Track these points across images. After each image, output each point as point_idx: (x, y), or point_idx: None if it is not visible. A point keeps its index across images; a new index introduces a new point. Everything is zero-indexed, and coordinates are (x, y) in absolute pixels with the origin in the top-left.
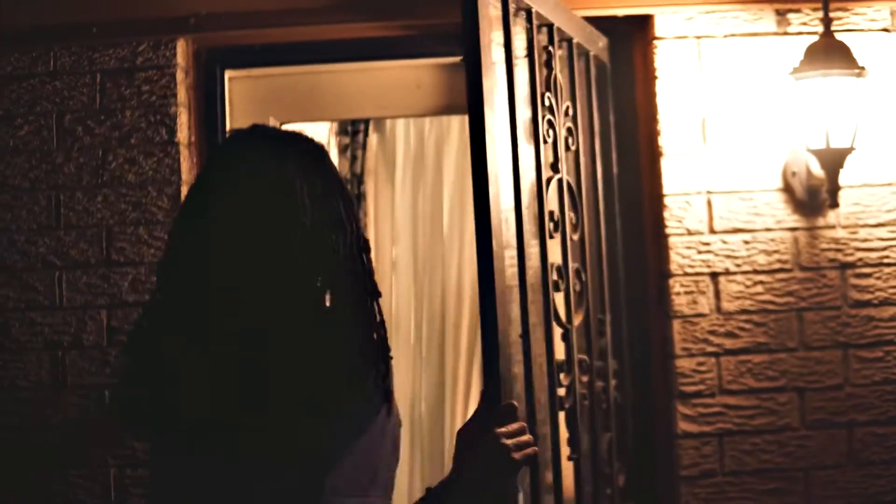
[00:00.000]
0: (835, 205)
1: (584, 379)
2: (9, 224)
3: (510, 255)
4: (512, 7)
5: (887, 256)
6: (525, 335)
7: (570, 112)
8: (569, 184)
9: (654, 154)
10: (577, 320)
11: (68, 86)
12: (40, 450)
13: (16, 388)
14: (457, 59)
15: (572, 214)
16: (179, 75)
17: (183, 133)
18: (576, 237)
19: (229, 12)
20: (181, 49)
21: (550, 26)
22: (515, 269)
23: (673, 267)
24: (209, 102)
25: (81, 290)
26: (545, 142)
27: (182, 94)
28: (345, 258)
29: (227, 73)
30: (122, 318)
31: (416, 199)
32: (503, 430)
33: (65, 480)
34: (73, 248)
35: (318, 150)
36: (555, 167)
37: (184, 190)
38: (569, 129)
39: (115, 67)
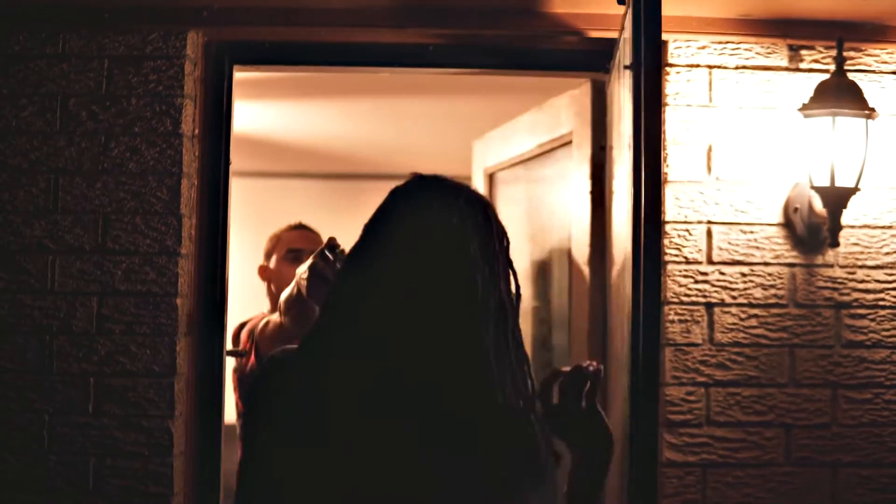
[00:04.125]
0: (835, 244)
1: None
2: (5, 204)
3: None
4: None
5: (883, 299)
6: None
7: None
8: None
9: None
10: None
11: (75, 69)
12: (21, 434)
13: (0, 370)
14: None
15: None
16: (188, 67)
17: (187, 125)
18: None
19: (242, 7)
20: (191, 41)
21: None
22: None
23: (669, 295)
24: (215, 96)
25: (74, 275)
26: None
27: (189, 85)
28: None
29: (236, 69)
30: (112, 306)
31: None
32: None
33: (43, 466)
34: (68, 233)
35: (482, 201)
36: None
37: (184, 182)
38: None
39: (124, 54)
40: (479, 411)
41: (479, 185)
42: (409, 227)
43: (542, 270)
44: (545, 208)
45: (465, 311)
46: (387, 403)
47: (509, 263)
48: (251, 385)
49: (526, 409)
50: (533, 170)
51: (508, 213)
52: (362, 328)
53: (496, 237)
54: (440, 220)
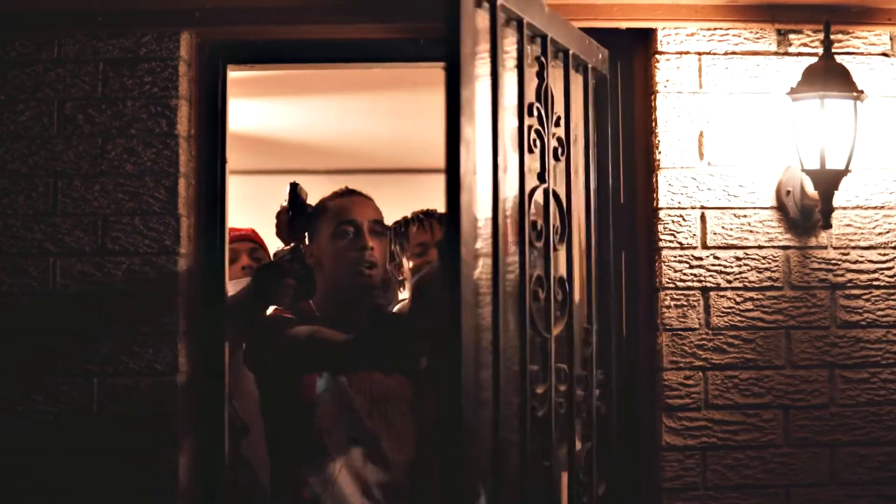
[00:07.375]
0: (827, 226)
1: (563, 388)
2: (5, 209)
3: (487, 264)
4: (501, 17)
5: (877, 279)
6: (495, 342)
7: (562, 122)
8: (555, 193)
9: (651, 167)
10: (557, 330)
11: (71, 73)
12: (27, 435)
13: (4, 373)
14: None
15: (558, 224)
16: (182, 68)
17: (183, 125)
18: (561, 247)
19: (234, 7)
20: (185, 42)
21: (544, 37)
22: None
23: (664, 280)
24: (210, 96)
25: (75, 277)
26: (531, 151)
27: (184, 86)
28: None
29: (230, 68)
30: (114, 306)
31: None
32: None
33: (50, 465)
34: (68, 236)
35: None
36: (541, 177)
37: (181, 182)
38: (559, 140)
39: (119, 57)
40: None
41: None
42: None
43: None
44: None
45: None
46: None
47: None
48: None
49: None
50: None
51: None
52: None
53: None
54: None
